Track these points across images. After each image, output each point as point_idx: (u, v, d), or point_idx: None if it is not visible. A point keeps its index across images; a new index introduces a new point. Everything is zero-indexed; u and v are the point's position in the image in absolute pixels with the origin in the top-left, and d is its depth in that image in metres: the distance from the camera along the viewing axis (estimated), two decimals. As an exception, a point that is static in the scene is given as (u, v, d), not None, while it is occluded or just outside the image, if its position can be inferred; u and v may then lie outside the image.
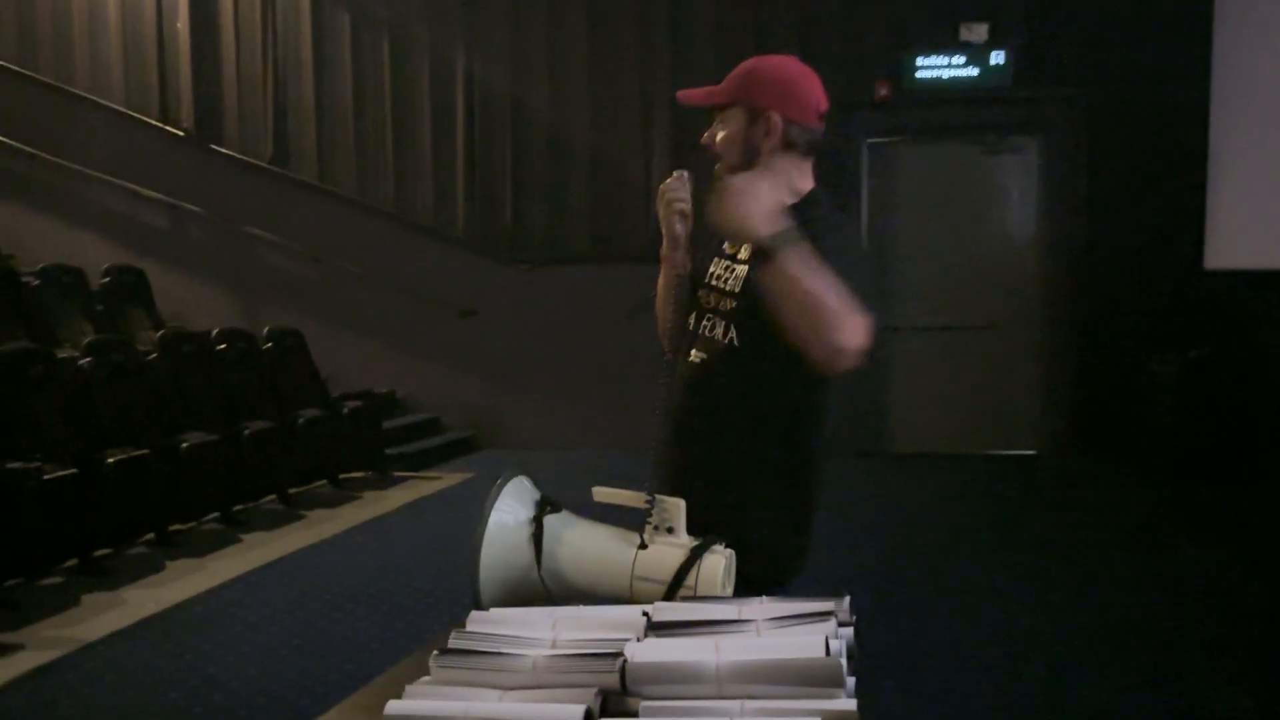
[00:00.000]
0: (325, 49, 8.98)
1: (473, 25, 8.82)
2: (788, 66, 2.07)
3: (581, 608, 1.69)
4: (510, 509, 1.88)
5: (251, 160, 8.96)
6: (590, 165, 8.62)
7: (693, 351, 2.10)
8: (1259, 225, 7.13)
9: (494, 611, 1.68)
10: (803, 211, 2.01)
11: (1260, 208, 7.09)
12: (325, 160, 8.99)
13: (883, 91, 8.06)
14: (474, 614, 1.65)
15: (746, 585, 1.84)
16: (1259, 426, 6.93)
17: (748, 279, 2.02)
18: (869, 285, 1.91)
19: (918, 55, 7.99)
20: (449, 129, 8.84)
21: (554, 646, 1.53)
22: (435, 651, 1.49)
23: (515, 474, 1.93)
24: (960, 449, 8.15)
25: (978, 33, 7.89)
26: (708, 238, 2.18)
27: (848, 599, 1.69)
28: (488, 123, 8.81)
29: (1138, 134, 7.68)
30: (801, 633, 1.53)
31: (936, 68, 7.98)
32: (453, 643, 1.53)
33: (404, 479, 7.49)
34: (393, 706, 1.39)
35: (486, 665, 1.46)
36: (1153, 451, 7.33)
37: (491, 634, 1.56)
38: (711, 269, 2.13)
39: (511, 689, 1.42)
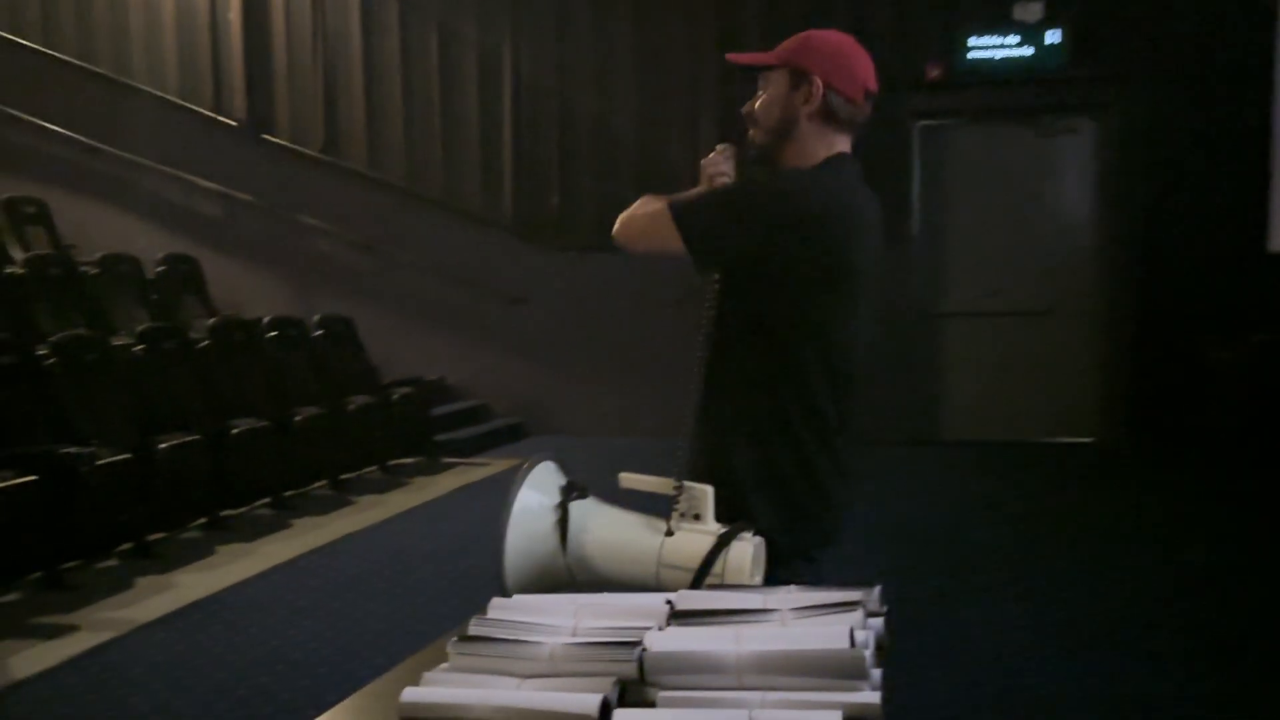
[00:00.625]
0: (374, 38, 9.03)
1: (519, 12, 8.82)
2: (843, 39, 2.03)
3: (605, 595, 1.66)
4: (536, 494, 1.86)
5: (302, 149, 9.05)
6: (638, 151, 8.58)
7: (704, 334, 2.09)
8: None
9: (517, 598, 1.66)
10: (815, 170, 1.99)
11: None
12: (375, 149, 9.05)
13: (934, 72, 7.92)
14: (496, 600, 1.64)
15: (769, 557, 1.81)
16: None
17: None
18: (728, 215, 1.96)
19: (970, 35, 7.84)
20: (496, 116, 8.86)
21: (574, 634, 1.51)
22: (454, 638, 1.48)
23: (542, 459, 1.92)
24: (1015, 436, 8.02)
25: (1032, 11, 7.71)
26: None
27: (878, 589, 1.65)
28: (534, 110, 8.81)
29: (1196, 114, 7.47)
30: (826, 623, 1.49)
31: (989, 48, 7.82)
32: (472, 629, 1.52)
33: (453, 465, 7.54)
34: (409, 694, 1.37)
35: (504, 653, 1.44)
36: (1214, 439, 7.14)
37: (512, 621, 1.55)
38: None
39: (529, 677, 1.41)
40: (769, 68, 2.02)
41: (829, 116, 1.98)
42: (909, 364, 7.99)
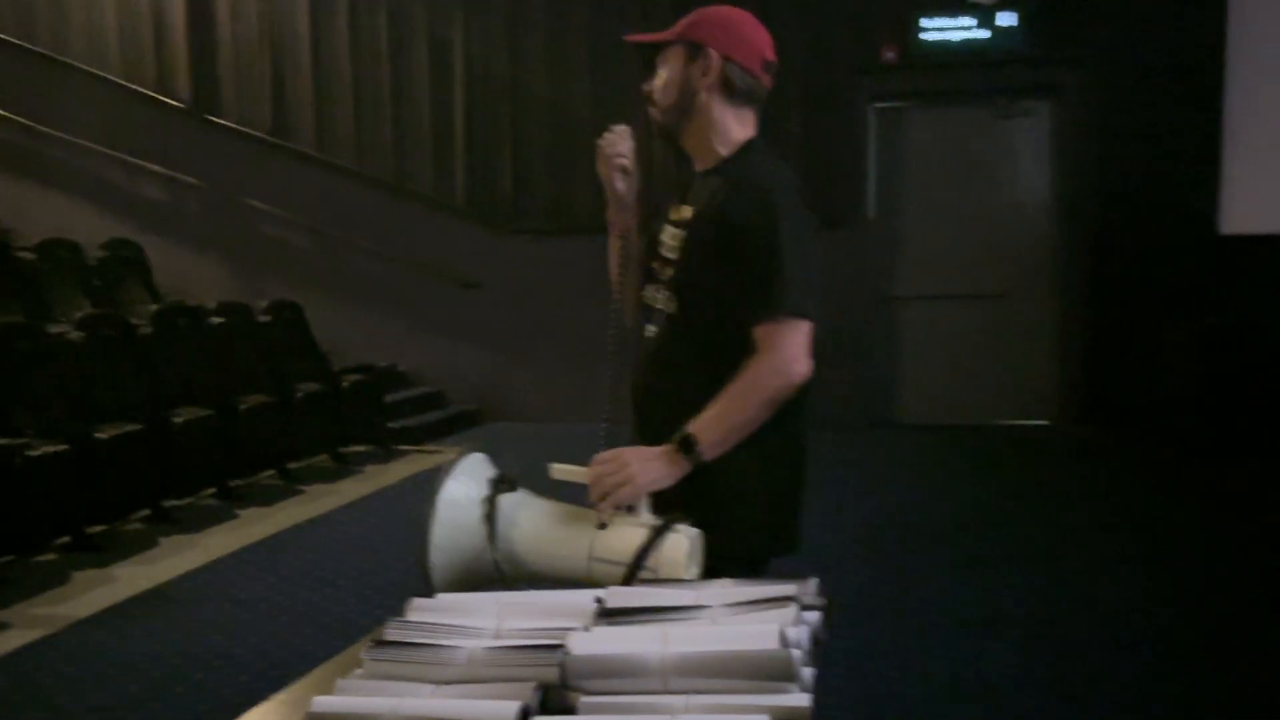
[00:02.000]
0: (322, 17, 8.85)
1: (471, -7, 8.66)
2: (736, 11, 2.01)
3: (530, 593, 1.60)
4: (463, 487, 1.79)
5: (250, 131, 8.86)
6: (592, 134, 8.41)
7: (647, 326, 2.02)
8: (1275, 189, 6.95)
9: (438, 598, 1.60)
10: (735, 164, 1.96)
11: (1276, 171, 6.90)
12: (324, 131, 8.88)
13: (889, 55, 7.88)
14: (415, 601, 1.57)
15: (728, 565, 1.75)
16: (1271, 392, 6.78)
17: (683, 243, 1.95)
18: (815, 274, 1.87)
19: (925, 17, 7.80)
20: (448, 97, 8.72)
21: (497, 636, 1.44)
22: (369, 643, 1.41)
23: (471, 451, 1.84)
24: (971, 419, 8.03)
25: (987, -7, 7.69)
26: (662, 201, 2.10)
27: (814, 581, 1.59)
28: (487, 91, 8.68)
29: (1152, 97, 7.49)
30: (756, 620, 1.43)
31: (944, 30, 7.80)
32: (389, 633, 1.45)
33: (406, 453, 7.43)
34: (319, 703, 1.30)
35: (420, 658, 1.37)
36: (1168, 421, 7.19)
37: (430, 624, 1.47)
38: (662, 236, 2.03)
39: (446, 683, 1.34)
40: (665, 45, 2.00)
41: (728, 89, 1.96)
42: (865, 347, 7.97)
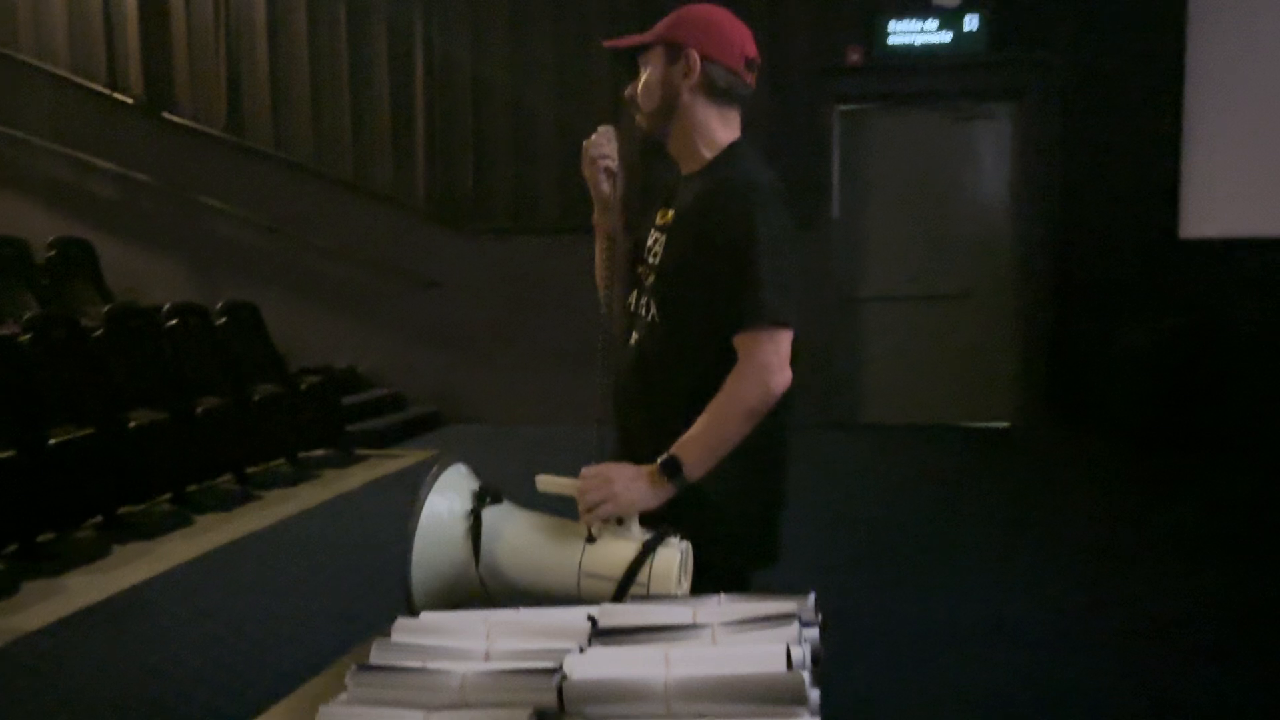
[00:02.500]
0: (279, 11, 8.69)
1: (432, -12, 8.55)
2: (714, 10, 1.97)
3: (520, 611, 1.53)
4: (445, 501, 1.72)
5: (204, 129, 8.68)
6: (556, 131, 8.39)
7: (632, 334, 1.97)
8: (1233, 193, 7.05)
9: (423, 617, 1.52)
10: (718, 168, 1.92)
11: (1234, 176, 7.01)
12: (281, 128, 8.72)
13: (854, 57, 7.88)
14: (400, 621, 1.49)
15: (708, 577, 1.70)
16: (1231, 395, 6.87)
17: (664, 249, 1.90)
18: (795, 278, 1.83)
19: (890, 20, 7.81)
20: (408, 94, 8.59)
21: (487, 659, 1.38)
22: (353, 666, 1.33)
23: (451, 461, 1.77)
24: (933, 419, 8.06)
25: (950, -3, 7.72)
26: (648, 204, 2.05)
27: (812, 596, 1.54)
28: (448, 87, 8.56)
29: (1113, 100, 7.55)
30: (760, 640, 1.38)
31: (909, 33, 7.81)
32: (375, 656, 1.38)
33: (365, 457, 7.31)
34: (303, 733, 1.23)
35: (409, 683, 1.30)
36: (1126, 421, 7.25)
37: (418, 645, 1.41)
38: (648, 242, 1.98)
39: (437, 709, 1.27)
40: (645, 48, 1.96)
41: (711, 89, 1.92)
42: (828, 348, 7.97)
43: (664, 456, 1.77)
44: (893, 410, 8.18)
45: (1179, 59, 7.33)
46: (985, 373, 8.12)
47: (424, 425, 8.33)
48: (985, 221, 8.12)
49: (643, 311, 1.96)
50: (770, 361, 1.78)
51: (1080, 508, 5.86)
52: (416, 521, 1.68)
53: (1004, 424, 8.06)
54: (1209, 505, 5.83)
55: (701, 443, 1.77)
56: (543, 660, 1.31)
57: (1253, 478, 6.31)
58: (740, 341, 1.80)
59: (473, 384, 8.53)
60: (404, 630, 1.47)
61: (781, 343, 1.80)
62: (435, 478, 1.72)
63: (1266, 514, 5.64)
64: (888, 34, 7.82)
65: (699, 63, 1.90)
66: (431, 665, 1.33)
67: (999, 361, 8.07)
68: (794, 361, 1.84)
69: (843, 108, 8.10)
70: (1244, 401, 6.80)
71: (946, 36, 7.77)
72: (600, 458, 1.89)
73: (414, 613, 1.63)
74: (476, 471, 1.78)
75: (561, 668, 1.27)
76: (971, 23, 7.71)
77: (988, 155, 8.11)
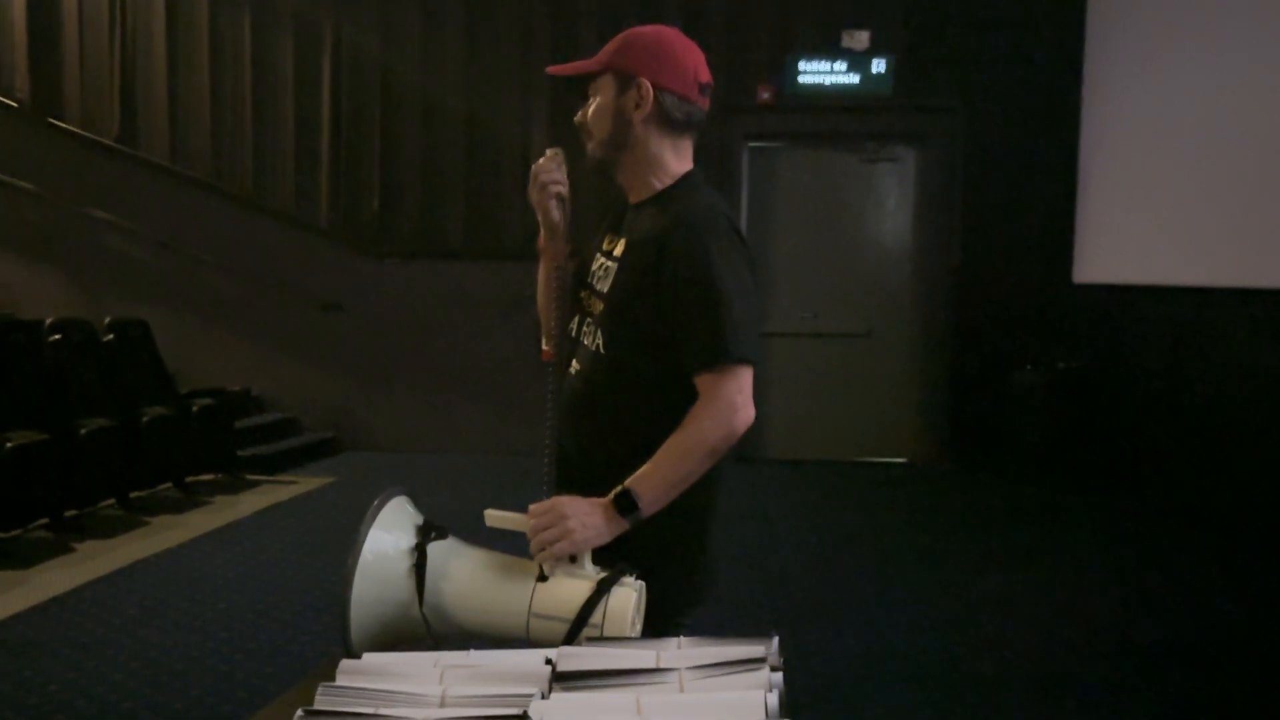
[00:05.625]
0: (179, 17, 8.40)
1: (342, -3, 8.37)
2: (664, 33, 1.91)
3: (473, 653, 1.45)
4: (388, 536, 1.62)
5: (95, 137, 8.31)
6: (466, 152, 8.28)
7: (574, 362, 1.90)
8: (1125, 240, 7.33)
9: (368, 659, 1.42)
10: (672, 200, 1.87)
11: (1127, 222, 7.28)
12: (178, 139, 8.42)
13: (765, 95, 7.99)
14: (345, 663, 1.39)
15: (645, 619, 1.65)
16: (1122, 437, 7.12)
17: (614, 279, 1.85)
18: (755, 315, 1.80)
19: (800, 59, 7.94)
20: (314, 108, 8.38)
21: (443, 704, 1.29)
22: (299, 712, 1.23)
23: (394, 493, 1.68)
24: (834, 455, 8.16)
25: (859, 40, 7.89)
26: (594, 230, 1.99)
27: (776, 639, 1.50)
28: (355, 103, 8.38)
29: (1013, 146, 7.81)
30: (733, 685, 1.33)
31: (819, 73, 7.95)
32: (321, 700, 1.28)
33: (258, 483, 7.03)
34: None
35: (362, 732, 1.21)
36: (1020, 461, 7.45)
37: (368, 689, 1.31)
38: (594, 267, 1.93)
39: (393, 761, 1.18)
40: (594, 75, 1.89)
41: (665, 119, 1.87)
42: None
43: (618, 490, 1.70)
44: (795, 445, 8.25)
45: (1075, 109, 7.63)
46: (885, 410, 8.25)
47: (320, 451, 8.07)
48: (888, 261, 8.28)
49: (585, 340, 1.90)
50: (735, 400, 1.75)
51: (972, 546, 5.96)
52: (357, 557, 1.59)
53: (903, 460, 8.19)
54: (1095, 540, 6.01)
55: (659, 478, 1.72)
56: (504, 707, 1.24)
57: (1142, 517, 6.53)
58: (704, 380, 1.76)
59: (372, 410, 8.32)
60: (349, 673, 1.37)
61: (745, 380, 1.76)
62: (378, 510, 1.63)
63: (1154, 552, 5.83)
64: (799, 73, 7.95)
65: (651, 92, 1.84)
66: (385, 711, 1.25)
67: (899, 399, 8.22)
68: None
69: (752, 144, 8.20)
70: (1133, 444, 7.05)
71: (855, 78, 7.94)
72: (551, 490, 1.82)
73: (352, 653, 1.53)
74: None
75: (526, 714, 1.20)
76: (879, 65, 7.89)
77: (891, 196, 8.29)
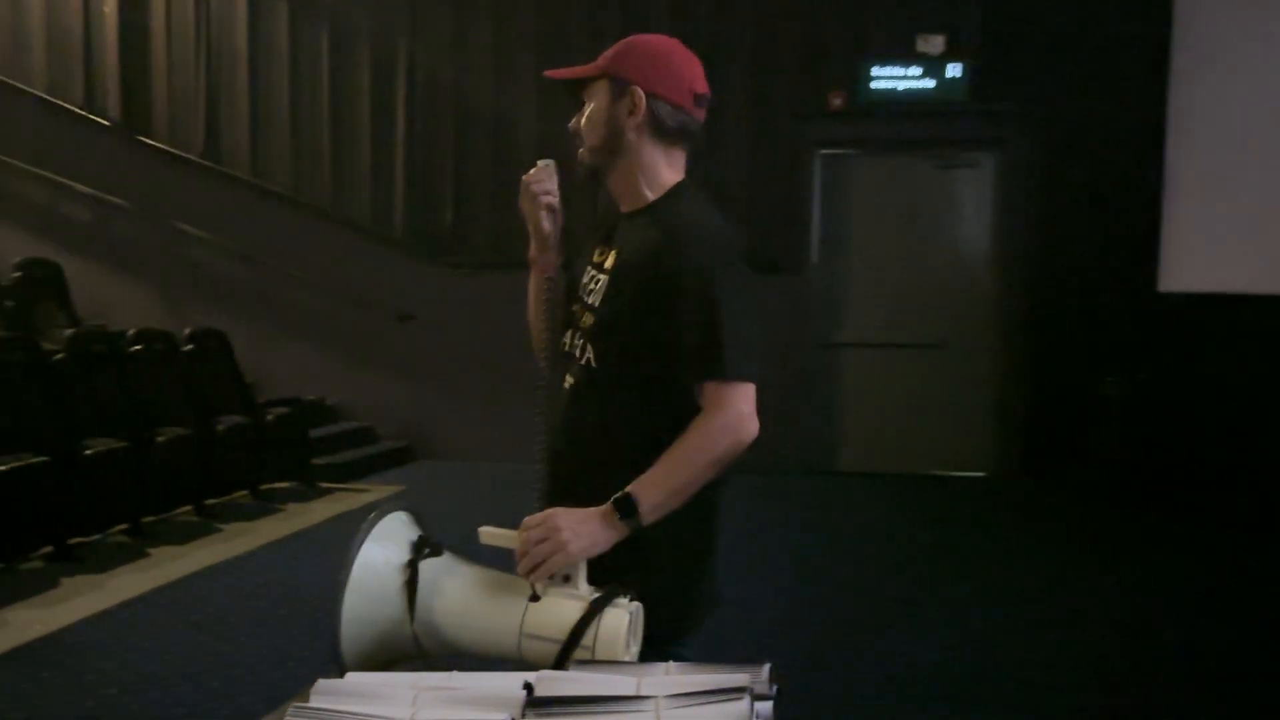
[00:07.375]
0: (261, 38, 8.63)
1: (416, 15, 8.50)
2: (662, 42, 1.88)
3: (453, 674, 1.42)
4: (382, 550, 1.61)
5: (181, 153, 8.58)
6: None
7: (566, 376, 1.87)
8: (1212, 247, 7.04)
9: (347, 679, 1.41)
10: (665, 211, 1.83)
11: (1213, 230, 7.00)
12: (259, 155, 8.64)
13: (837, 101, 7.88)
14: (320, 683, 1.38)
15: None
16: (1208, 453, 6.82)
17: (605, 291, 1.81)
18: (756, 330, 1.76)
19: (873, 65, 7.82)
20: (389, 124, 8.53)
21: (411, 729, 1.27)
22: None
23: (392, 508, 1.67)
24: (908, 469, 7.97)
25: (934, 44, 7.73)
26: (586, 240, 1.96)
27: (767, 667, 1.44)
28: (430, 118, 8.51)
29: (1094, 152, 7.55)
30: (709, 715, 1.28)
31: (892, 79, 7.81)
32: (288, 722, 1.26)
33: (331, 491, 7.16)
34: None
35: (321, 756, 1.19)
36: (1103, 473, 7.19)
37: (336, 712, 1.29)
38: (584, 279, 1.90)
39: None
40: (589, 80, 1.87)
41: (658, 128, 1.83)
42: (805, 394, 7.89)
43: (619, 494, 1.66)
44: (868, 458, 8.09)
45: (1160, 112, 7.33)
46: (962, 422, 8.05)
47: (393, 460, 8.18)
48: (964, 269, 8.09)
49: (577, 354, 1.87)
50: (743, 410, 1.71)
51: (1050, 563, 5.76)
52: (349, 572, 1.58)
53: (980, 474, 7.98)
54: (1176, 567, 5.75)
55: (662, 485, 1.67)
56: (471, 733, 1.21)
57: (1230, 541, 6.24)
58: (709, 390, 1.72)
59: (445, 419, 8.40)
60: (323, 694, 1.35)
61: (750, 393, 1.73)
62: (372, 525, 1.62)
63: (1241, 579, 5.57)
64: (870, 79, 7.82)
65: (644, 100, 1.81)
66: (348, 737, 1.23)
67: (976, 411, 8.01)
68: (760, 403, 1.76)
69: (824, 152, 8.08)
70: (1215, 458, 6.75)
71: (930, 83, 7.78)
72: (543, 505, 1.79)
73: (342, 670, 1.52)
74: (419, 519, 1.68)
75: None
76: (954, 70, 7.72)
77: (968, 203, 8.10)
